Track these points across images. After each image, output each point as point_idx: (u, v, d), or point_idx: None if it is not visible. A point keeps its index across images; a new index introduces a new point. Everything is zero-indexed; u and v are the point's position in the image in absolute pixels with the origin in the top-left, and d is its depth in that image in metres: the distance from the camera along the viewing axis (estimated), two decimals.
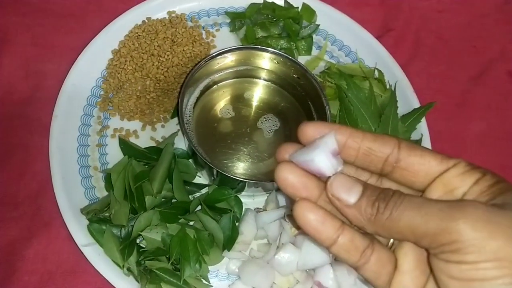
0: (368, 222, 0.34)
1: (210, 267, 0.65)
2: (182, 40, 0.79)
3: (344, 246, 0.36)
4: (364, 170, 0.39)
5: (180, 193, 0.67)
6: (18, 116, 0.75)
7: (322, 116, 0.71)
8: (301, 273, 0.65)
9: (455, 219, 0.30)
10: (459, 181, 0.34)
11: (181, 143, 0.73)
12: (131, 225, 0.64)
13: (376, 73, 0.81)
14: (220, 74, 0.76)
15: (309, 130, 0.37)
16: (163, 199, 0.67)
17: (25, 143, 0.73)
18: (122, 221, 0.63)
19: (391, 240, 0.38)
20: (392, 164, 0.36)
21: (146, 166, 0.70)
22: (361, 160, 0.37)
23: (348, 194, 0.35)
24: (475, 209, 0.31)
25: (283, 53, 0.73)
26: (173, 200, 0.68)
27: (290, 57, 0.73)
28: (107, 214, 0.66)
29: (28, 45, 0.81)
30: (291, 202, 0.39)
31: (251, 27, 0.82)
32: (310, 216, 0.35)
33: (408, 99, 0.80)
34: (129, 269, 0.63)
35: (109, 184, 0.68)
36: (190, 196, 0.69)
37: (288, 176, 0.36)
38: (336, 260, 0.66)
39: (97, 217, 0.66)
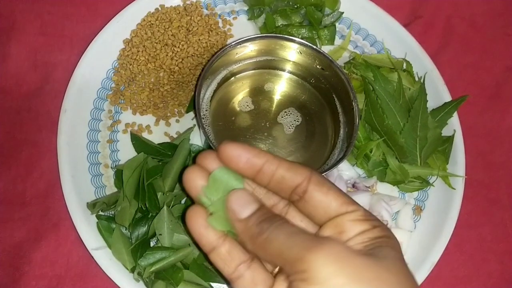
0: (249, 240, 0.36)
1: None
2: (197, 29, 0.75)
3: (221, 255, 0.38)
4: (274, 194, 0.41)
5: None
6: (26, 109, 0.72)
7: (348, 110, 0.67)
8: None
9: (311, 251, 0.32)
10: (350, 226, 0.36)
11: (196, 139, 0.69)
12: (142, 225, 0.60)
13: (404, 64, 0.75)
14: (239, 65, 0.71)
15: (230, 152, 0.38)
16: (174, 197, 0.64)
17: (33, 139, 0.70)
18: (125, 221, 0.60)
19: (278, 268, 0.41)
20: (299, 194, 0.38)
21: (160, 163, 0.66)
22: (273, 185, 0.39)
23: (242, 209, 0.37)
24: (332, 246, 0.32)
25: (310, 44, 0.68)
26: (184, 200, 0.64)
27: (316, 47, 0.68)
28: (113, 212, 0.63)
29: (37, 34, 0.77)
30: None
31: (271, 15, 0.77)
32: (197, 220, 0.38)
33: (438, 92, 0.75)
34: (139, 274, 0.59)
35: (119, 181, 0.64)
36: None
37: (197, 181, 0.38)
38: None
39: (106, 215, 0.63)
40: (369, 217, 0.37)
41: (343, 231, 0.36)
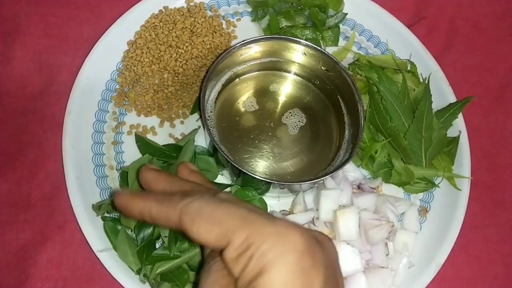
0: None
1: None
2: (201, 30, 0.75)
3: None
4: None
5: None
6: (30, 111, 0.71)
7: (353, 112, 0.67)
8: None
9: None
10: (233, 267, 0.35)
11: (200, 140, 0.69)
12: (147, 227, 0.60)
13: (408, 65, 0.75)
14: (243, 66, 0.71)
15: (118, 201, 0.42)
16: None
17: (38, 141, 0.69)
18: (130, 223, 0.60)
19: None
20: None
21: (165, 165, 0.66)
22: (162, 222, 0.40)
23: None
24: None
25: (314, 45, 0.68)
26: None
27: (320, 49, 0.68)
28: (119, 214, 0.63)
29: (41, 36, 0.77)
30: None
31: (275, 16, 0.77)
32: None
33: (443, 93, 0.75)
34: (145, 276, 0.59)
35: (124, 182, 0.64)
36: None
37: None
38: (369, 267, 0.62)
39: (111, 217, 0.62)
40: (242, 247, 0.34)
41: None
